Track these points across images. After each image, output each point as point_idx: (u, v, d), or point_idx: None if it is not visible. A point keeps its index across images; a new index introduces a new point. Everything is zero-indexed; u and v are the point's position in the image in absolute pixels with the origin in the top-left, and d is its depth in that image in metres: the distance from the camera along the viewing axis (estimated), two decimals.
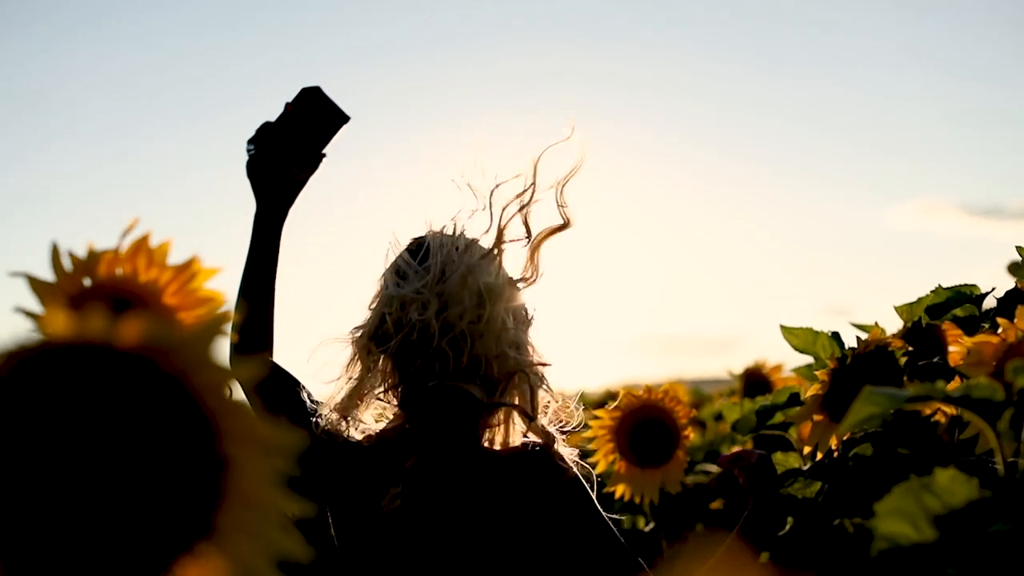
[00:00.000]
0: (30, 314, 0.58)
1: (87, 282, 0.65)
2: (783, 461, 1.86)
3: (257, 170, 1.53)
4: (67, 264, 0.62)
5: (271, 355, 1.54)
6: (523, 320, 1.45)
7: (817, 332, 1.76)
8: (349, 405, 1.40)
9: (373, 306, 1.43)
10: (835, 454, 1.65)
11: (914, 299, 1.69)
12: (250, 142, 1.56)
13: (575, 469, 1.44)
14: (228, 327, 0.72)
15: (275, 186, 1.54)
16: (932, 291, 1.66)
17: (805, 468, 1.76)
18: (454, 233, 1.44)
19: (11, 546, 0.43)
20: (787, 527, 1.81)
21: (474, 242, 1.43)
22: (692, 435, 2.09)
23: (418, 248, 1.45)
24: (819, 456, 1.72)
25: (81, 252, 0.63)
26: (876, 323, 1.77)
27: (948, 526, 0.87)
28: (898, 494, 0.87)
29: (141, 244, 0.67)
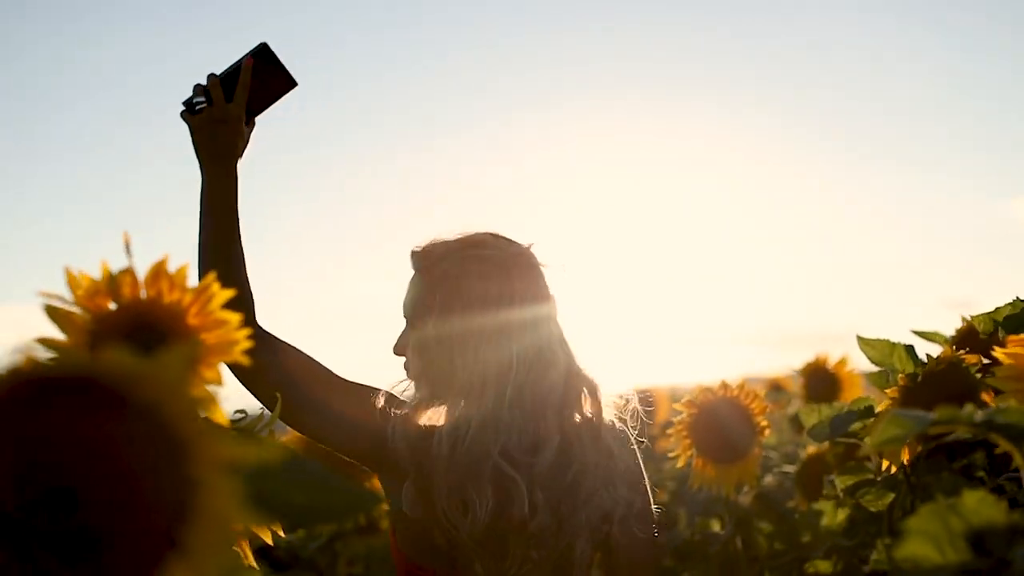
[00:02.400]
0: (49, 343, 0.63)
1: (112, 306, 0.70)
2: (855, 470, 1.83)
3: (213, 123, 1.43)
4: (82, 287, 0.68)
5: (253, 319, 1.45)
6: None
7: (894, 344, 1.72)
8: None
9: None
10: (908, 469, 1.62)
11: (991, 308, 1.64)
12: (198, 94, 1.44)
13: None
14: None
15: (231, 141, 1.44)
16: (1009, 303, 1.60)
17: (878, 479, 1.73)
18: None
19: None
20: (858, 538, 1.78)
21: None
22: (769, 433, 2.07)
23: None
24: (893, 469, 1.69)
25: (96, 274, 0.68)
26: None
27: (974, 549, 0.85)
28: (923, 515, 0.86)
29: (160, 268, 0.71)
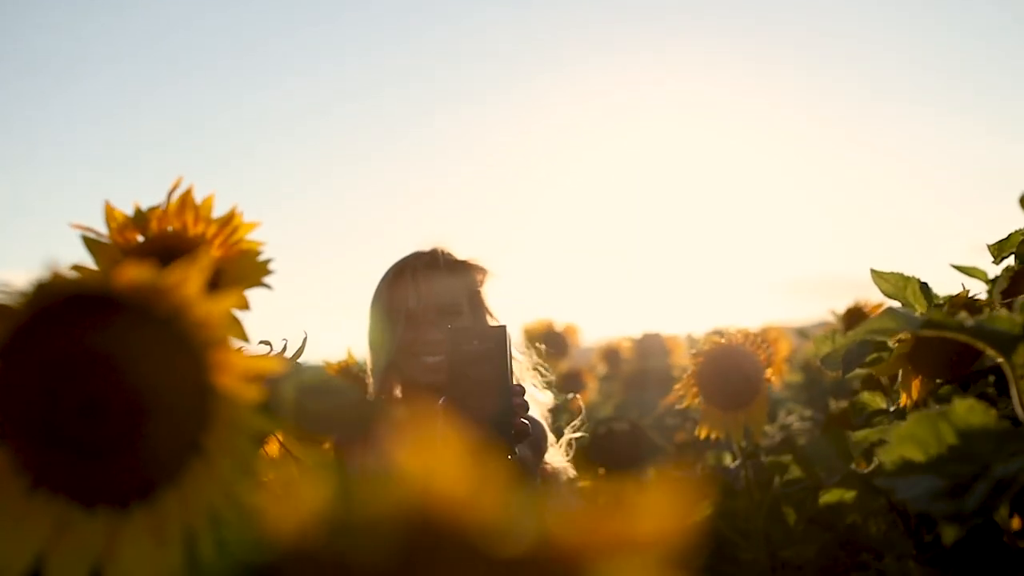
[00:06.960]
0: (82, 270, 0.68)
1: (140, 239, 0.75)
2: (870, 400, 1.87)
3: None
4: (116, 221, 0.73)
5: None
6: None
7: (908, 278, 1.73)
8: None
9: None
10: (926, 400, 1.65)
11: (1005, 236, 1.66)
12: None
13: None
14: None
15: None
16: (1019, 230, 1.62)
17: (891, 409, 1.76)
18: None
19: (36, 463, 0.53)
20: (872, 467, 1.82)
21: None
22: (776, 379, 2.11)
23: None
24: (908, 402, 1.72)
25: (129, 211, 0.73)
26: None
27: (961, 458, 0.88)
28: (914, 421, 0.89)
29: (187, 199, 0.75)
